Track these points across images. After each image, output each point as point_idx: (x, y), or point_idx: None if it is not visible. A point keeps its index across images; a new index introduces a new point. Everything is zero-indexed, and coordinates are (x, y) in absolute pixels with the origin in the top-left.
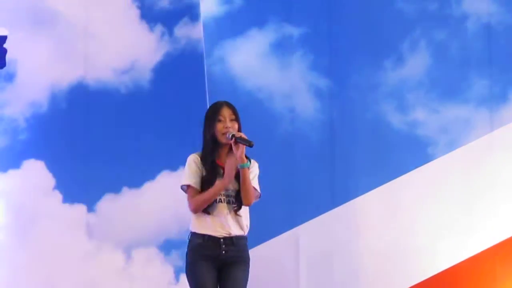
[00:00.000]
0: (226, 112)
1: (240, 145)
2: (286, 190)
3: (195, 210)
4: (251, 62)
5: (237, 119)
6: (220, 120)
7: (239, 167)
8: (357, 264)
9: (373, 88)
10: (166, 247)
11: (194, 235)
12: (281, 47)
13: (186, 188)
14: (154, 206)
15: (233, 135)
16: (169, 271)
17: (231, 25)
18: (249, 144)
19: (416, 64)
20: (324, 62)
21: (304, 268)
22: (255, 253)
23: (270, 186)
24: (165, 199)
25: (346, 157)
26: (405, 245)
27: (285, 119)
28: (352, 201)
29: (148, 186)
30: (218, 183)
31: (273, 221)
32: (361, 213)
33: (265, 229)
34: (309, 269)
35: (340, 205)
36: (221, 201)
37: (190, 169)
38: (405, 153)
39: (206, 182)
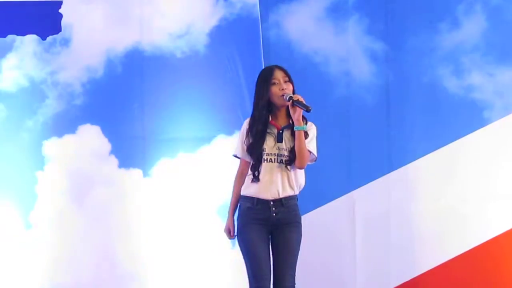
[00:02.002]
0: (279, 74)
1: (297, 108)
2: (342, 154)
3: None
4: (306, 26)
5: (290, 80)
6: (274, 83)
7: (295, 129)
8: (413, 227)
9: (428, 52)
10: (223, 211)
11: (244, 198)
12: (336, 11)
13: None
14: (210, 171)
15: (290, 97)
16: (225, 236)
17: None
18: (306, 108)
19: (472, 27)
20: (379, 26)
21: (360, 232)
22: (311, 217)
23: (325, 150)
24: (220, 164)
25: (402, 121)
26: (461, 209)
27: (341, 83)
28: (408, 165)
29: (204, 151)
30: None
31: (329, 185)
32: (417, 177)
33: (322, 193)
34: (365, 233)
35: (396, 169)
36: (271, 161)
37: (240, 139)
38: (461, 117)
39: (255, 140)
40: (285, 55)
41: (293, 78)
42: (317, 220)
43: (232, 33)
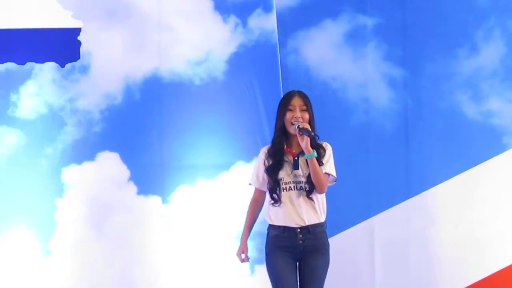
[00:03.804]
0: (296, 102)
1: (305, 136)
2: (361, 180)
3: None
4: (325, 52)
5: (308, 109)
6: (290, 110)
7: (305, 157)
8: (432, 253)
9: (447, 77)
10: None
11: (271, 227)
12: (354, 37)
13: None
14: (229, 197)
15: (298, 126)
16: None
17: (305, 16)
18: (309, 134)
19: (490, 53)
20: (398, 52)
21: (379, 258)
22: (331, 243)
23: (344, 176)
24: (239, 190)
25: (421, 147)
26: (480, 235)
27: (359, 109)
28: (427, 191)
29: (223, 178)
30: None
31: (348, 211)
32: (436, 203)
33: (341, 219)
34: (384, 259)
35: (415, 195)
36: (291, 189)
37: (255, 167)
38: (480, 143)
39: (271, 169)
40: (303, 81)
41: (311, 104)
42: (337, 246)
43: (251, 60)
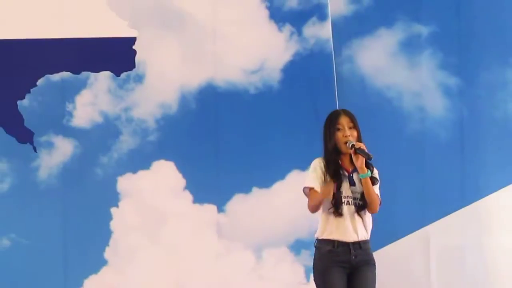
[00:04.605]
0: (344, 120)
1: (360, 155)
2: (416, 188)
3: (312, 209)
4: (380, 61)
5: (355, 126)
6: (339, 129)
7: (360, 176)
8: (489, 262)
9: (502, 86)
10: (297, 247)
11: (322, 242)
12: (410, 46)
13: (308, 190)
14: (284, 206)
15: (353, 145)
16: (300, 271)
17: (360, 24)
18: (368, 157)
19: None
20: (453, 61)
21: (435, 267)
22: (385, 252)
23: (400, 185)
24: (295, 199)
25: (476, 155)
26: None
27: (414, 118)
28: (482, 199)
29: (278, 186)
30: (329, 185)
31: (404, 220)
32: (492, 211)
33: (397, 228)
34: (440, 268)
35: (470, 203)
36: (349, 203)
37: (315, 173)
38: None
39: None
40: (358, 90)
41: (366, 113)
42: (392, 255)
43: (306, 68)
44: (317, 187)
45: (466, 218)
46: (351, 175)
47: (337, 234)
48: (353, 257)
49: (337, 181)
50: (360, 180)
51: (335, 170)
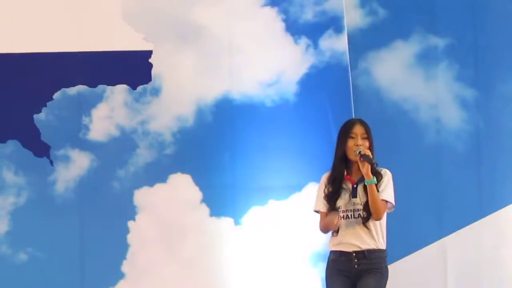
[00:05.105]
0: (358, 130)
1: (366, 162)
2: (433, 200)
3: (322, 230)
4: (396, 73)
5: (368, 137)
6: (352, 137)
7: (365, 183)
8: (505, 275)
9: None
10: (313, 258)
11: (330, 252)
12: (426, 58)
13: (319, 213)
14: (301, 219)
15: (359, 152)
16: (317, 283)
17: (376, 37)
18: (370, 161)
19: None
20: (469, 73)
21: (452, 279)
22: (402, 264)
23: (417, 196)
24: (311, 211)
25: (493, 167)
26: None
27: (431, 129)
28: (500, 211)
29: (295, 199)
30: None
31: (420, 232)
32: (509, 223)
33: (413, 240)
34: (457, 280)
35: (488, 214)
36: (348, 217)
37: (319, 193)
38: None
39: (329, 196)
40: (375, 102)
41: (382, 125)
42: (409, 267)
43: (322, 81)
44: (322, 209)
45: (483, 230)
46: (355, 185)
47: (340, 246)
48: (355, 266)
49: (334, 196)
50: (363, 191)
51: (337, 181)
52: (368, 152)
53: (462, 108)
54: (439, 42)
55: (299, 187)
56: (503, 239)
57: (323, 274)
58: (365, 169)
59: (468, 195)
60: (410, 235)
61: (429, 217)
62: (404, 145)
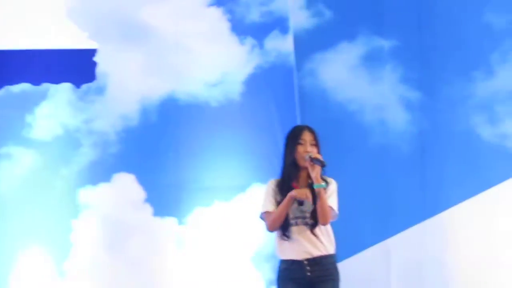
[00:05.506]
0: (307, 137)
1: (316, 166)
2: (377, 202)
3: (270, 229)
4: (341, 75)
5: (317, 144)
6: (300, 144)
7: (314, 187)
8: (449, 276)
9: (463, 100)
10: (257, 259)
11: (280, 261)
12: (371, 60)
13: (265, 215)
14: (245, 219)
15: (310, 156)
16: (260, 284)
17: (322, 38)
18: (322, 164)
19: (506, 76)
20: (414, 75)
21: (395, 280)
22: (346, 265)
23: (361, 198)
24: (255, 212)
25: (437, 169)
26: (497, 257)
27: (376, 131)
28: (443, 212)
29: (239, 199)
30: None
31: (364, 233)
32: (452, 224)
33: (357, 241)
34: (400, 281)
35: (431, 216)
36: (297, 224)
37: (267, 197)
38: (495, 164)
39: (279, 205)
40: (320, 103)
41: (328, 126)
42: (353, 268)
43: (267, 82)
44: (271, 210)
45: (427, 231)
46: None
47: (291, 254)
48: (308, 274)
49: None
50: (310, 199)
51: (288, 187)
52: (319, 156)
53: (407, 110)
54: (385, 43)
55: (243, 188)
56: (447, 241)
57: (266, 274)
58: (315, 173)
59: (412, 196)
60: (354, 236)
61: (373, 218)
62: (349, 146)
